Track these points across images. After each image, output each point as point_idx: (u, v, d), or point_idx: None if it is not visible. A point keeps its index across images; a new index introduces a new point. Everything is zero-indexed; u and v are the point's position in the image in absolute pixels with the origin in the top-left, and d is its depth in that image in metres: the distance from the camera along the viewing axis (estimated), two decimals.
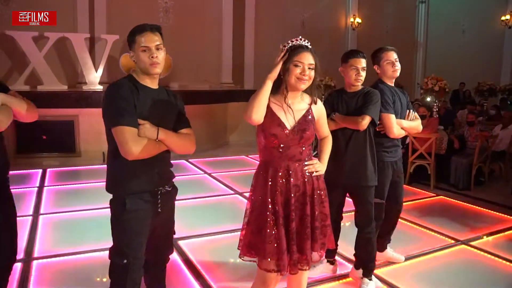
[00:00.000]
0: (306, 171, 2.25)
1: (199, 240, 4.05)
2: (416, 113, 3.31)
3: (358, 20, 13.55)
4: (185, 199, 5.16)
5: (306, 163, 2.26)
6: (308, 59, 2.16)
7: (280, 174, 2.19)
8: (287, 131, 2.18)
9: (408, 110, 3.27)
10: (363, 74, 2.92)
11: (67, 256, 3.65)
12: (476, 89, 10.79)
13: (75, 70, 9.67)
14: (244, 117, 2.15)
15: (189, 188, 5.78)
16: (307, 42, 2.21)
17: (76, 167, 7.02)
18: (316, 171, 2.28)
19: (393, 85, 3.26)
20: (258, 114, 2.12)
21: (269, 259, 2.15)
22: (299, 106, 2.26)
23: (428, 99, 8.08)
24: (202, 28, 10.95)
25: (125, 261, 2.08)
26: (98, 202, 5.00)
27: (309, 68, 2.16)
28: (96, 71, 8.91)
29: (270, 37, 12.00)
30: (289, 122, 2.20)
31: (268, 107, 2.18)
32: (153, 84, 2.17)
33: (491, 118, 9.06)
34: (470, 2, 13.61)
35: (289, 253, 2.17)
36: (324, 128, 2.46)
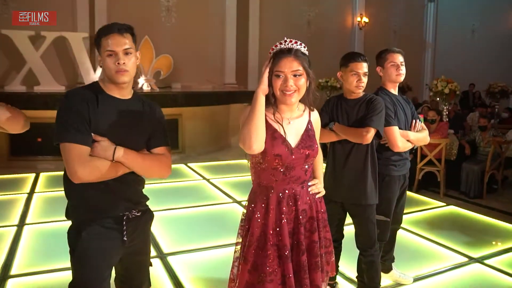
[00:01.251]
0: (310, 192, 1.95)
1: (191, 255, 3.77)
2: (422, 123, 3.00)
3: (365, 19, 13.23)
4: (179, 208, 4.92)
5: (309, 183, 1.96)
6: (290, 65, 1.80)
7: (284, 199, 1.87)
8: (292, 150, 1.85)
9: (414, 120, 2.96)
10: (365, 80, 2.61)
11: (50, 273, 3.37)
12: (487, 90, 10.43)
13: (73, 71, 9.47)
14: (242, 147, 1.77)
15: (185, 195, 5.53)
16: (293, 43, 1.86)
17: None
18: (319, 192, 1.99)
19: (396, 92, 2.96)
20: (258, 142, 1.75)
21: None
22: (299, 120, 1.93)
23: (428, 98, 7.77)
24: (205, 28, 10.72)
25: None
26: None
27: (294, 76, 1.80)
28: (95, 71, 8.69)
29: (275, 37, 11.49)
30: (292, 139, 1.88)
31: (267, 123, 1.84)
32: (122, 93, 1.86)
33: (503, 121, 8.72)
34: (479, 2, 13.32)
35: None
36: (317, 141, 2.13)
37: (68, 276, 3.19)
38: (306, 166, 1.92)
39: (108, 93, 1.83)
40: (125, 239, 1.84)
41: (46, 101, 7.26)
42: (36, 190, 5.71)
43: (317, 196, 1.99)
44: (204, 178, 6.44)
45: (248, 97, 10.61)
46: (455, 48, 13.92)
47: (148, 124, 1.91)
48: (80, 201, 1.82)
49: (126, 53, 1.78)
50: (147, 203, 2.02)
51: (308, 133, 1.92)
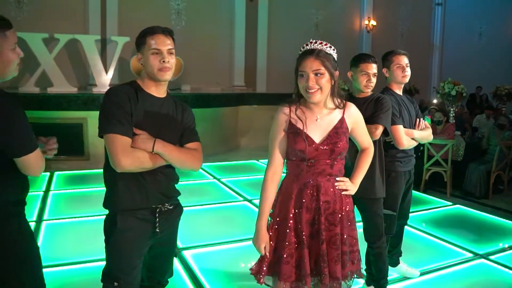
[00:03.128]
0: (337, 187, 2.04)
1: (204, 250, 3.90)
2: (426, 122, 3.14)
3: (373, 22, 13.34)
4: (192, 206, 5.04)
5: (337, 179, 2.04)
6: (311, 65, 1.89)
7: (307, 189, 1.98)
8: (315, 145, 1.96)
9: (417, 119, 3.10)
10: (374, 80, 2.75)
11: (70, 265, 3.51)
12: (494, 93, 10.48)
13: (85, 72, 9.65)
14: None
15: (196, 194, 5.66)
16: (318, 44, 1.97)
17: (84, 171, 6.93)
18: (345, 190, 2.07)
19: (401, 92, 3.10)
20: None
21: (283, 282, 1.94)
22: (329, 117, 2.02)
23: (435, 101, 7.85)
24: (215, 31, 10.88)
25: (116, 283, 1.91)
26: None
27: (316, 75, 1.89)
28: (107, 73, 8.87)
29: (283, 40, 11.89)
30: (318, 135, 1.98)
31: (289, 123, 2.00)
32: (159, 92, 2.00)
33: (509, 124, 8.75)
34: (487, 5, 13.34)
35: (320, 276, 1.95)
36: (363, 137, 2.20)
37: (88, 268, 3.39)
38: (335, 162, 2.00)
39: (146, 91, 1.97)
40: (157, 230, 1.98)
41: (60, 102, 7.42)
42: (51, 189, 5.86)
43: (343, 193, 2.05)
44: (215, 177, 6.58)
45: (256, 99, 10.78)
46: (462, 51, 13.97)
47: (181, 122, 2.06)
48: (118, 193, 1.93)
49: (170, 52, 1.93)
50: (178, 198, 2.15)
51: (336, 130, 2.00)
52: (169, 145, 1.93)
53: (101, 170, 6.67)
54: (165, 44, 1.92)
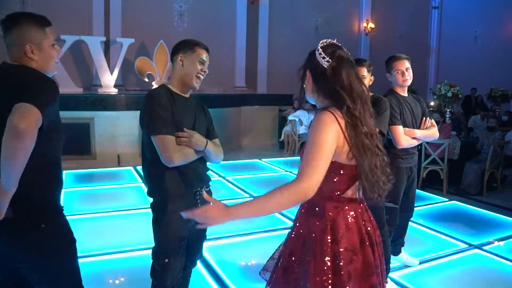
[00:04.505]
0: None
1: (216, 243, 4.11)
2: (432, 120, 3.33)
3: (371, 25, 13.59)
4: None
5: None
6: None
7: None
8: None
9: (424, 118, 3.29)
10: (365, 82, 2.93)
11: (87, 258, 3.70)
12: (489, 95, 10.76)
13: (89, 73, 9.84)
14: None
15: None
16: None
17: (92, 169, 7.12)
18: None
19: (405, 93, 3.27)
20: None
21: None
22: None
23: (432, 103, 8.08)
24: (216, 33, 11.07)
25: (166, 260, 2.18)
26: (116, 205, 5.14)
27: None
28: (111, 74, 9.06)
29: (284, 42, 12.11)
30: None
31: None
32: (185, 94, 2.30)
33: (503, 124, 9.02)
34: (482, 9, 13.59)
35: None
36: None
37: (103, 260, 3.59)
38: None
39: (176, 92, 2.25)
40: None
41: (68, 102, 7.61)
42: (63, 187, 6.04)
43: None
44: (220, 176, 6.79)
45: (257, 100, 11.00)
46: (458, 53, 14.22)
47: (205, 119, 2.38)
48: (166, 183, 2.19)
49: (206, 68, 2.30)
50: None
51: None
52: (211, 143, 2.26)
53: (108, 169, 6.92)
54: (208, 60, 2.30)
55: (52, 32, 1.94)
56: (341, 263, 1.62)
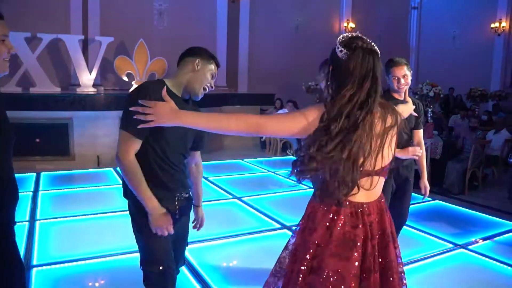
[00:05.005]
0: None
1: (199, 245, 4.03)
2: (418, 148, 3.10)
3: (352, 24, 13.67)
4: None
5: None
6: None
7: None
8: None
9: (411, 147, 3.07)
10: None
11: (69, 263, 3.60)
12: (468, 94, 10.93)
13: (67, 72, 9.63)
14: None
15: None
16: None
17: (70, 171, 6.94)
18: None
19: (401, 97, 3.07)
20: None
21: None
22: None
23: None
24: (197, 32, 10.97)
25: (161, 267, 2.07)
26: (96, 207, 5.00)
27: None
28: (90, 73, 8.86)
29: (265, 41, 12.08)
30: None
31: None
32: (181, 94, 2.16)
33: (483, 124, 9.17)
34: (461, 9, 13.79)
35: None
36: None
37: (86, 265, 3.48)
38: None
39: (172, 91, 2.09)
40: (177, 217, 2.18)
41: (46, 102, 7.43)
42: (40, 189, 5.87)
43: None
44: (202, 176, 6.67)
45: (239, 99, 10.93)
46: (437, 53, 14.41)
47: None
48: (147, 184, 2.02)
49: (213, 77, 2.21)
50: None
51: None
52: None
53: (88, 170, 6.76)
54: (216, 73, 2.21)
55: (2, 26, 1.78)
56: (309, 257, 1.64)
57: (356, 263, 1.61)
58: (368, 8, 13.97)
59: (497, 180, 6.97)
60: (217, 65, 2.20)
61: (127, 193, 2.13)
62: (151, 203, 1.99)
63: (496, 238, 4.42)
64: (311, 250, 1.65)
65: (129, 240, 3.98)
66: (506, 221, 4.98)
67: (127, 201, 2.19)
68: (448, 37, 14.20)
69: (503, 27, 12.86)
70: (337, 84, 1.62)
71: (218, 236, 4.21)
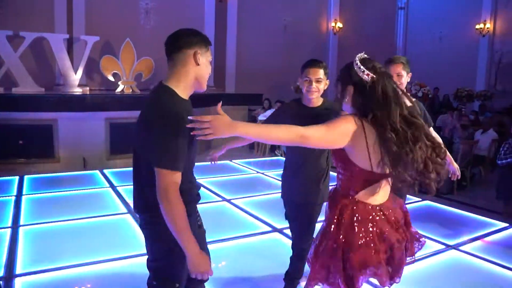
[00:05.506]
0: None
1: None
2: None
3: (339, 24, 13.69)
4: None
5: None
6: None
7: None
8: None
9: None
10: (320, 86, 2.69)
11: (54, 271, 3.47)
12: (455, 94, 11.02)
13: (51, 72, 9.44)
14: None
15: None
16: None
17: (55, 174, 6.79)
18: None
19: None
20: None
21: None
22: None
23: None
24: None
25: (177, 285, 1.93)
26: (82, 211, 4.89)
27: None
28: (75, 73, 8.70)
29: (253, 41, 12.03)
30: None
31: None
32: (187, 96, 1.94)
33: (470, 123, 9.23)
34: (446, 10, 13.90)
35: None
36: None
37: (71, 273, 3.37)
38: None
39: (184, 98, 1.90)
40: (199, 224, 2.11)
41: (29, 102, 7.26)
42: (23, 193, 5.72)
43: None
44: None
45: (226, 99, 10.80)
46: (424, 53, 14.49)
47: None
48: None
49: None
50: None
51: None
52: None
53: (73, 173, 6.61)
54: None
55: None
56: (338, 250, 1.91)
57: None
58: (355, 8, 14.01)
59: (484, 180, 7.01)
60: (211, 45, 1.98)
61: (147, 206, 1.88)
62: (195, 247, 1.78)
63: (486, 238, 4.44)
64: None
65: (117, 246, 3.92)
66: (494, 221, 5.01)
67: (142, 216, 1.96)
68: (434, 38, 14.30)
69: (487, 28, 12.99)
70: (364, 102, 1.89)
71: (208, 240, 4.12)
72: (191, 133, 1.63)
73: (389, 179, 1.96)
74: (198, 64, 1.87)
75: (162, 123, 1.74)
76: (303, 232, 2.89)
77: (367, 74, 1.89)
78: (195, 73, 1.89)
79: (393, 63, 2.99)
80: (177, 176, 1.76)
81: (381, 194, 1.98)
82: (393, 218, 2.00)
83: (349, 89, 1.93)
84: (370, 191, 1.95)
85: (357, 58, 1.95)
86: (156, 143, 1.74)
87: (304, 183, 2.81)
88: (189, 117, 1.56)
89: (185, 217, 1.76)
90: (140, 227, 2.02)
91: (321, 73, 2.66)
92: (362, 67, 1.90)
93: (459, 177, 3.18)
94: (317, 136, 1.82)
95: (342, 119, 1.89)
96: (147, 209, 1.90)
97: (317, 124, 1.86)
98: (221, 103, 1.68)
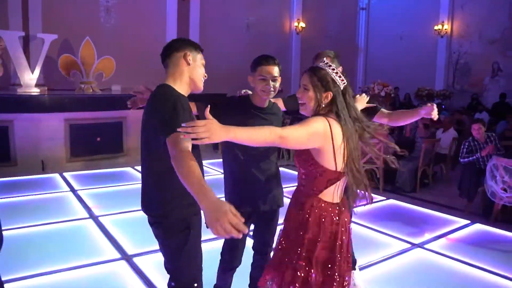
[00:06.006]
0: None
1: (156, 255, 3.84)
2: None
3: (302, 24, 13.78)
4: (134, 210, 4.93)
5: None
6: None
7: None
8: None
9: None
10: (276, 84, 2.50)
11: (9, 282, 3.29)
12: (416, 93, 11.29)
13: (6, 71, 9.01)
14: None
15: (136, 198, 5.51)
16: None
17: (12, 178, 6.49)
18: None
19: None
20: None
21: None
22: None
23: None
24: (146, 29, 10.64)
25: (196, 284, 2.02)
26: (41, 217, 4.68)
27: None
28: (32, 72, 8.34)
29: (215, 40, 11.91)
30: None
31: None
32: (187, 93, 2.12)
33: (430, 122, 9.46)
34: (407, 10, 14.24)
35: None
36: None
37: (29, 284, 3.20)
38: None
39: (180, 92, 2.05)
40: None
41: None
42: None
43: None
44: None
45: (189, 99, 10.67)
46: (385, 53, 14.82)
47: None
48: (181, 195, 1.87)
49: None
50: None
51: None
52: None
53: (31, 177, 6.33)
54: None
55: None
56: (304, 251, 1.94)
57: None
58: (318, 8, 14.14)
59: (446, 177, 7.21)
60: (202, 51, 2.14)
61: (165, 206, 1.98)
62: (211, 196, 1.62)
63: (450, 236, 4.54)
64: None
65: (80, 253, 3.77)
66: (456, 218, 5.14)
67: (150, 217, 2.07)
68: (395, 37, 14.63)
69: (445, 29, 13.39)
70: (340, 108, 1.96)
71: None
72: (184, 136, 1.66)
73: (345, 178, 1.99)
74: (189, 64, 2.03)
75: (165, 103, 1.87)
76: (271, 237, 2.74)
77: (340, 77, 1.95)
78: (189, 72, 2.05)
79: (321, 57, 2.78)
80: (187, 141, 1.77)
81: (339, 194, 2.02)
82: (345, 219, 2.04)
83: (326, 95, 1.95)
84: (330, 190, 1.99)
85: (327, 61, 1.99)
86: (163, 117, 1.83)
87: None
88: (182, 124, 1.58)
89: (199, 171, 1.74)
90: (150, 225, 2.11)
91: (276, 70, 2.47)
92: (339, 73, 1.95)
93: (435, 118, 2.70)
94: (295, 136, 1.83)
95: (314, 119, 1.91)
96: (154, 208, 2.01)
97: (267, 125, 1.94)
98: (209, 107, 1.65)
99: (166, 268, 2.09)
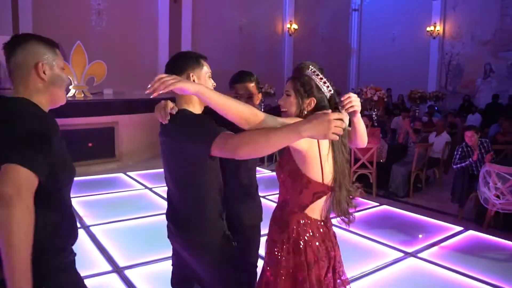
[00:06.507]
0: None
1: (147, 267, 3.80)
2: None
3: (295, 26, 13.76)
4: (125, 219, 4.88)
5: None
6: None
7: None
8: None
9: None
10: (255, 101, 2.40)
11: None
12: (409, 96, 11.30)
13: None
14: None
15: (128, 206, 5.48)
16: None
17: None
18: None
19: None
20: None
21: None
22: None
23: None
24: (138, 32, 10.60)
25: None
26: None
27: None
28: None
29: (208, 41, 11.87)
30: None
31: None
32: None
33: (423, 125, 9.48)
34: (399, 11, 14.28)
35: None
36: None
37: None
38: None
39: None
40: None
41: None
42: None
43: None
44: (146, 187, 6.40)
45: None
46: (377, 54, 14.85)
47: None
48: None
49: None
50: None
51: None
52: None
53: None
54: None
55: None
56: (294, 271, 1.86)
57: None
58: (310, 10, 14.14)
59: (439, 181, 7.21)
60: (206, 59, 2.06)
61: (194, 226, 2.02)
62: None
63: (443, 244, 4.53)
64: None
65: None
66: (449, 225, 5.13)
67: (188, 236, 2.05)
68: (387, 39, 14.66)
69: (437, 30, 13.43)
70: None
71: (164, 257, 3.98)
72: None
73: (331, 192, 1.86)
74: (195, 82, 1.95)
75: (190, 119, 1.92)
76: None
77: (327, 86, 1.87)
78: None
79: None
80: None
81: (327, 209, 1.92)
82: (333, 232, 1.98)
83: (310, 102, 1.85)
84: (317, 205, 1.88)
85: (313, 68, 1.87)
86: (197, 130, 1.83)
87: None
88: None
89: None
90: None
91: (252, 86, 2.36)
92: (323, 79, 1.87)
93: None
94: (277, 122, 1.67)
95: (298, 119, 1.77)
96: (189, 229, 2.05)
97: None
98: None
99: None
